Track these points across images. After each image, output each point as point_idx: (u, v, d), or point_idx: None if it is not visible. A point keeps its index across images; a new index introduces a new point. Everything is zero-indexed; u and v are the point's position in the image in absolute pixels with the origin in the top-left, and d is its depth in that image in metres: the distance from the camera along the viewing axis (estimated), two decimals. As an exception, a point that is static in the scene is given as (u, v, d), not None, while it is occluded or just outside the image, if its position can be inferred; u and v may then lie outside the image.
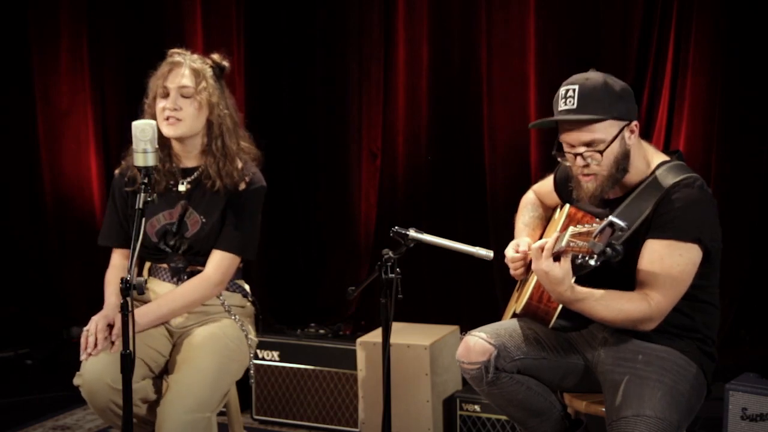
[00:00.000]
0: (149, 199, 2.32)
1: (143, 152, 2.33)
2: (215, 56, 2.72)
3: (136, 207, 2.30)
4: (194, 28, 4.78)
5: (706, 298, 2.37)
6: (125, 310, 2.21)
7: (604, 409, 2.35)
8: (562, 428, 2.51)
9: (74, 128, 5.17)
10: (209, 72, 2.66)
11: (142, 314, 2.55)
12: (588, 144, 2.27)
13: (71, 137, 5.18)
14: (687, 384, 2.29)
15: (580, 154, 2.29)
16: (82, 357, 2.46)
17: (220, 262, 2.65)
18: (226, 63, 2.73)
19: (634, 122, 2.32)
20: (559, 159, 2.39)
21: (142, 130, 2.33)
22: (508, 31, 4.19)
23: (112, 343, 2.46)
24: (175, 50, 2.70)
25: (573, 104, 2.27)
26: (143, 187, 2.32)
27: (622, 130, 2.28)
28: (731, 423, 3.00)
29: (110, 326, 2.49)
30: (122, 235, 2.75)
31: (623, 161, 2.30)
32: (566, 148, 2.33)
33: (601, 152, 2.27)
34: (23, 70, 5.20)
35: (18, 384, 4.44)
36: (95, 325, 2.48)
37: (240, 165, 2.68)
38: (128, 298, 2.20)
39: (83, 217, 5.14)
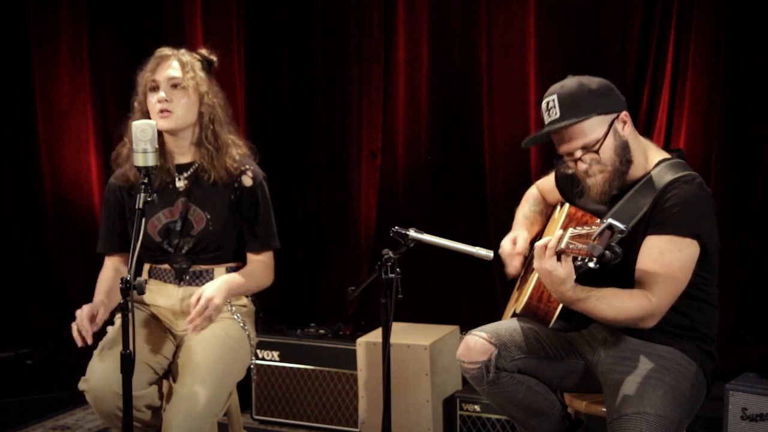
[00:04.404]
0: (149, 199, 2.32)
1: (143, 152, 2.33)
2: (203, 51, 2.74)
3: (136, 207, 2.29)
4: (194, 28, 4.78)
5: (705, 297, 2.37)
6: (125, 310, 2.21)
7: (604, 409, 2.35)
8: (562, 428, 2.51)
9: (74, 128, 5.17)
10: (197, 65, 2.67)
11: (238, 285, 2.60)
12: (583, 147, 2.29)
13: (71, 137, 5.18)
14: (687, 383, 2.29)
15: (579, 159, 2.30)
16: (78, 340, 2.45)
17: (269, 261, 2.74)
18: (213, 57, 2.75)
19: (623, 113, 2.32)
20: (563, 170, 2.40)
21: (142, 130, 2.33)
22: (508, 31, 4.19)
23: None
24: (162, 48, 2.71)
25: (556, 114, 2.29)
26: (143, 187, 2.31)
27: (612, 123, 2.29)
28: (731, 423, 3.00)
29: (94, 317, 2.48)
30: (117, 242, 2.76)
31: (624, 153, 2.31)
32: (566, 158, 2.35)
33: (596, 151, 2.28)
34: (23, 70, 5.20)
35: (18, 384, 4.44)
36: (80, 314, 2.47)
37: (236, 155, 2.69)
38: (128, 298, 2.20)
39: (83, 217, 5.14)
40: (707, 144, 3.83)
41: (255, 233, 2.68)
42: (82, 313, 2.47)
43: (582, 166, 2.31)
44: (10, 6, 5.15)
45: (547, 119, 2.32)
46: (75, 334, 2.45)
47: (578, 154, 2.30)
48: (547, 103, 2.32)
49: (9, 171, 5.29)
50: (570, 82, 2.32)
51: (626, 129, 2.32)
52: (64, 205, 5.22)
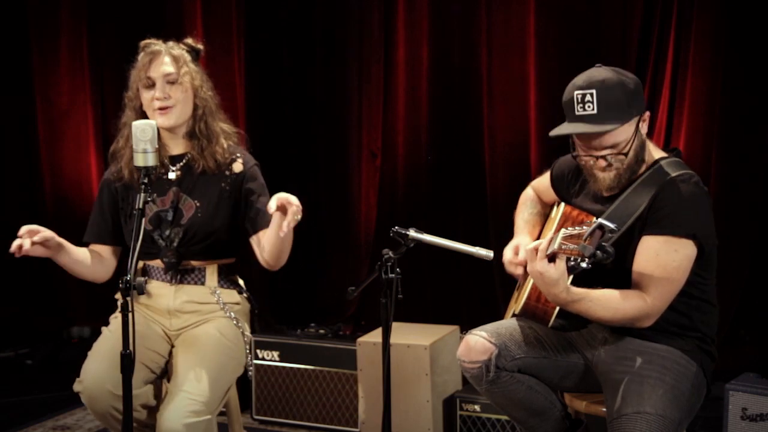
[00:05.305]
0: (149, 199, 2.32)
1: (143, 152, 2.34)
2: (189, 40, 2.74)
3: (136, 207, 2.29)
4: (194, 28, 4.77)
5: (704, 296, 2.37)
6: (125, 310, 2.20)
7: (604, 409, 2.35)
8: (562, 428, 2.51)
9: (74, 128, 5.17)
10: (187, 56, 2.68)
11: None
12: (612, 146, 2.26)
13: (71, 137, 5.18)
14: (687, 383, 2.29)
15: (603, 157, 2.28)
16: (14, 248, 2.39)
17: None
18: (200, 46, 2.76)
19: (647, 112, 2.32)
20: (579, 162, 2.37)
21: (142, 130, 2.33)
22: (508, 31, 4.19)
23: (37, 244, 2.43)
24: (149, 41, 2.70)
25: (593, 110, 2.22)
26: (143, 186, 2.32)
27: (638, 124, 2.28)
28: (731, 423, 3.00)
29: (37, 231, 2.43)
30: (105, 233, 2.75)
31: (641, 152, 2.31)
32: (585, 150, 2.31)
33: (625, 154, 2.27)
34: (23, 69, 5.20)
35: (18, 384, 4.44)
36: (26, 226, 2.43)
37: (225, 145, 2.69)
38: (128, 298, 2.19)
39: (83, 216, 5.09)
40: (707, 144, 3.83)
41: (250, 215, 2.67)
42: (28, 227, 2.43)
43: (602, 162, 2.29)
44: (10, 6, 5.15)
45: (579, 111, 2.24)
46: (14, 246, 2.39)
47: (605, 152, 2.27)
48: (583, 95, 2.23)
49: (9, 171, 5.29)
50: (610, 78, 2.25)
51: (644, 127, 2.31)
52: (64, 205, 5.22)
